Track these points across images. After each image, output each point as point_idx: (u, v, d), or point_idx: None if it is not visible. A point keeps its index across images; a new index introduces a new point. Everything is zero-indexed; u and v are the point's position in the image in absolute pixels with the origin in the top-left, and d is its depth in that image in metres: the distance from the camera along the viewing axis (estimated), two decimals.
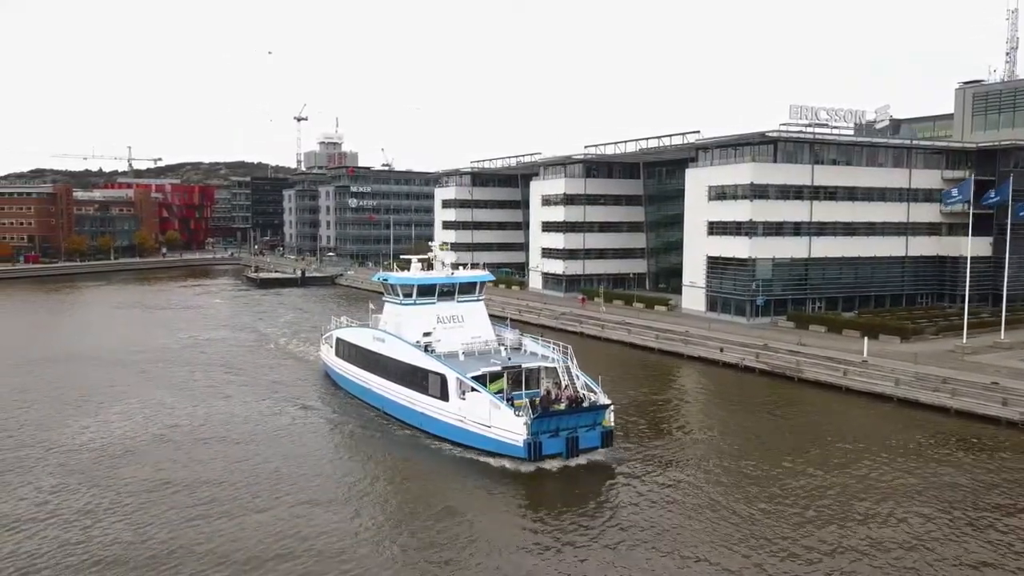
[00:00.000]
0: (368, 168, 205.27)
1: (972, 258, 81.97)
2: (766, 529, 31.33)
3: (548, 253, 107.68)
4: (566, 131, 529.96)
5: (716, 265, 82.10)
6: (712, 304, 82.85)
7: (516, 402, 38.98)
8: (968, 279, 69.68)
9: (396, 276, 50.47)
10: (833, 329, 71.23)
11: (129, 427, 45.91)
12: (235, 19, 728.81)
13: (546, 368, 43.46)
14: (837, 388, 55.89)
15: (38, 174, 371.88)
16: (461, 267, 52.92)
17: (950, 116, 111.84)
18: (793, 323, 75.13)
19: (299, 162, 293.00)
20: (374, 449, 42.01)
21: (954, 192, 65.18)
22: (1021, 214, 67.21)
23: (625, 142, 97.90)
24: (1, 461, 39.45)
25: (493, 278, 55.50)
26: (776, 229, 78.77)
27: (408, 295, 48.52)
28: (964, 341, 62.99)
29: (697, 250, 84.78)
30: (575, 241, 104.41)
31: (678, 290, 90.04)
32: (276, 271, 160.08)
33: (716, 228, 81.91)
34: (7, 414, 49.00)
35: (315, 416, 48.56)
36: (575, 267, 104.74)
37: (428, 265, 51.69)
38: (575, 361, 42.59)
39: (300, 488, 35.58)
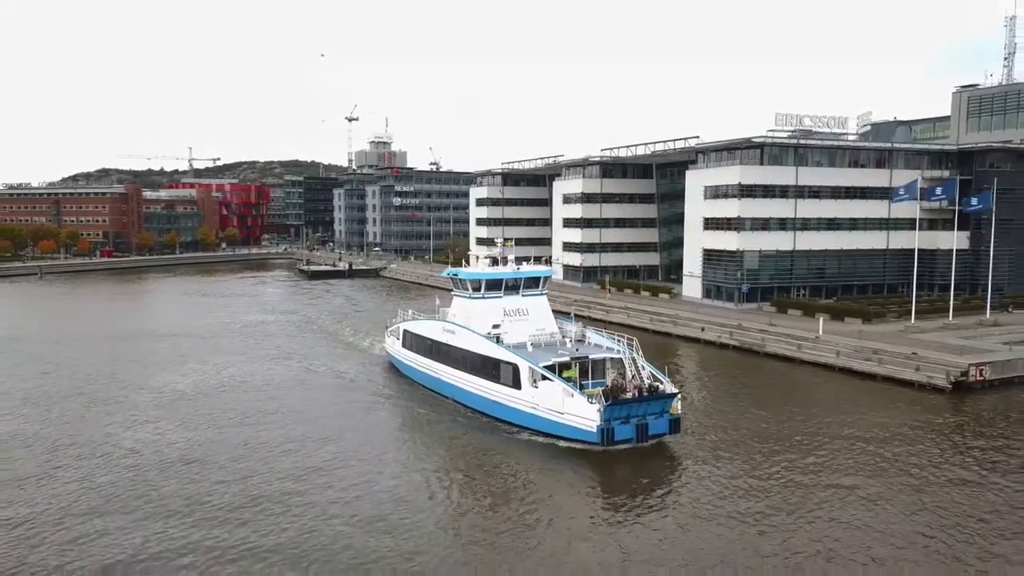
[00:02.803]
0: (411, 169, 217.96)
1: (950, 250, 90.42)
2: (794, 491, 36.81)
3: (568, 247, 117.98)
4: (593, 131, 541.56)
5: (711, 257, 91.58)
6: (707, 292, 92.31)
7: (588, 391, 40.52)
8: (916, 269, 78.21)
9: (465, 271, 52.77)
10: (808, 313, 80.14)
11: (201, 380, 57.92)
12: (289, 23, 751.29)
13: (612, 359, 44.93)
14: (792, 360, 65.45)
15: (104, 173, 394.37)
16: (524, 262, 54.84)
17: (949, 118, 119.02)
18: (775, 308, 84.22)
19: (350, 161, 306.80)
20: (446, 433, 43.69)
21: (901, 191, 73.49)
22: (969, 208, 75.12)
23: (636, 145, 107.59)
24: (111, 400, 51.66)
25: (554, 273, 59.62)
26: (763, 224, 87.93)
27: (477, 289, 50.41)
28: (912, 321, 71.82)
29: (695, 243, 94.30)
30: (592, 236, 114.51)
31: None
32: (326, 264, 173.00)
33: (711, 224, 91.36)
34: (107, 371, 61.51)
35: (385, 402, 51.08)
36: (592, 259, 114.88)
37: (502, 260, 53.37)
38: (640, 352, 43.91)
39: (375, 464, 38.05)
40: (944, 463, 39.41)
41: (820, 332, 68.50)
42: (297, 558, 28.20)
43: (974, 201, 72.81)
